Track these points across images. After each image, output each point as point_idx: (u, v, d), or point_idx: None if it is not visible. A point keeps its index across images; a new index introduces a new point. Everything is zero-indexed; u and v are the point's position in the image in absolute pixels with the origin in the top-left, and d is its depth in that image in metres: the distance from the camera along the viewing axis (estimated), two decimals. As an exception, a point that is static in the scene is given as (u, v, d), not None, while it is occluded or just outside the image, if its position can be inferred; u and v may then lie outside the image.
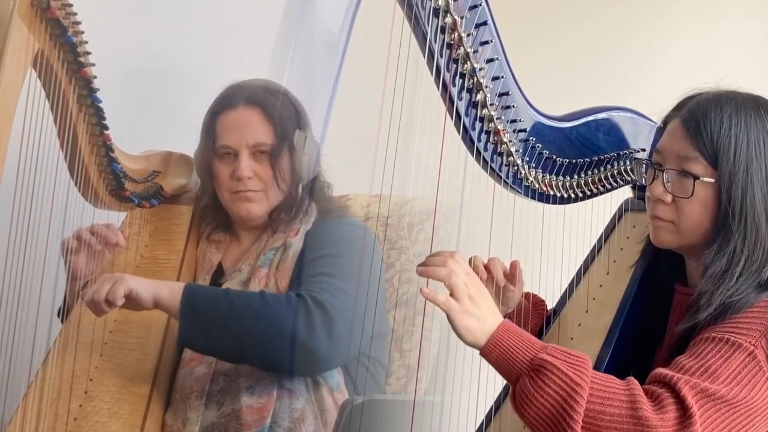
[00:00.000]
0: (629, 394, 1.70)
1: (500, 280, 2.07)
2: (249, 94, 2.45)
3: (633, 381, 1.74)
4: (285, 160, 2.44)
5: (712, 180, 1.82)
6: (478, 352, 1.76)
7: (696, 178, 1.83)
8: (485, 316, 1.76)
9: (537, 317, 2.18)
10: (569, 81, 3.43)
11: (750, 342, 1.75)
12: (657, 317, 1.98)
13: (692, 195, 1.83)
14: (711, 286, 1.81)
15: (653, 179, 1.89)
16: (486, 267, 2.07)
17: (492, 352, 1.75)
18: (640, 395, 1.70)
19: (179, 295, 2.24)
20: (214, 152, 2.49)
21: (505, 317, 2.10)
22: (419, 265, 1.80)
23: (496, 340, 1.75)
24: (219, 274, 2.51)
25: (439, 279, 1.76)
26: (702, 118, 1.83)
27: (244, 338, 2.24)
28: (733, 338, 1.76)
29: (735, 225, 1.80)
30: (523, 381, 1.72)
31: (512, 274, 2.08)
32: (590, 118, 2.08)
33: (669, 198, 1.87)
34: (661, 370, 1.75)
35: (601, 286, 2.11)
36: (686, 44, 3.66)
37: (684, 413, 1.69)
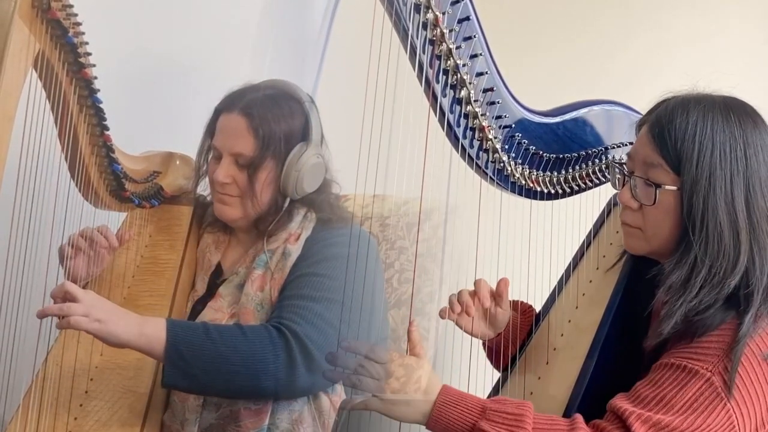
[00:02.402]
0: None
1: (486, 301, 2.07)
2: (248, 101, 2.43)
3: (578, 420, 1.75)
4: (264, 174, 2.41)
5: (674, 188, 1.80)
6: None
7: (658, 186, 1.80)
8: (412, 399, 1.79)
9: (526, 324, 2.17)
10: (560, 76, 3.43)
11: (707, 368, 1.73)
12: (642, 320, 1.95)
13: (655, 203, 1.81)
14: (671, 296, 1.79)
15: (623, 185, 1.88)
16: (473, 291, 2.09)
17: (435, 430, 1.78)
18: None
19: (161, 341, 2.19)
20: (209, 148, 2.51)
21: (497, 335, 2.12)
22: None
23: (435, 418, 1.78)
24: (218, 274, 2.52)
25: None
26: (667, 124, 1.81)
27: (228, 379, 2.22)
28: (690, 365, 1.74)
29: (696, 234, 1.77)
30: None
31: (499, 294, 2.08)
32: (578, 112, 2.08)
33: (635, 204, 1.86)
34: (616, 403, 1.75)
35: (590, 281, 2.10)
36: (663, 39, 3.66)
37: None
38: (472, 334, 2.11)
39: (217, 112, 2.49)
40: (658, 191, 1.80)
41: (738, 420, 1.71)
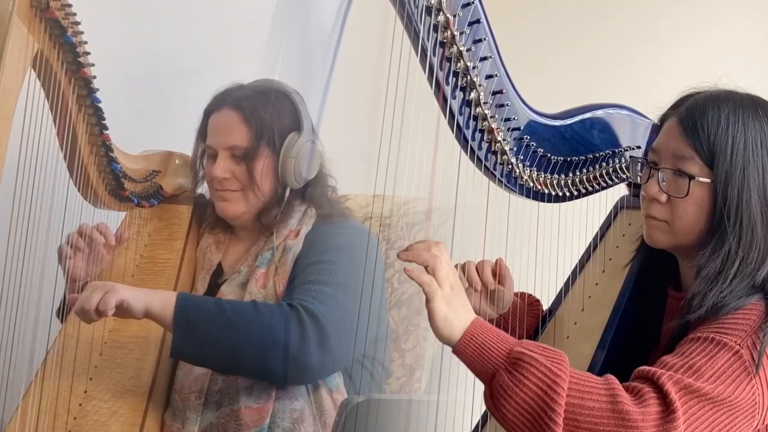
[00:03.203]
0: (609, 389, 1.68)
1: (489, 280, 2.07)
2: (236, 96, 2.46)
3: (612, 377, 1.71)
4: (261, 163, 2.43)
5: (708, 180, 1.80)
6: (452, 350, 1.73)
7: (691, 177, 1.80)
8: (461, 311, 1.74)
9: (532, 317, 2.16)
10: (568, 79, 3.44)
11: (736, 341, 1.73)
12: (651, 319, 1.96)
13: (687, 195, 1.81)
14: (704, 287, 1.79)
15: (648, 178, 1.87)
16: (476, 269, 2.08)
17: (467, 348, 1.71)
18: (620, 390, 1.68)
19: (172, 306, 2.22)
20: (203, 151, 2.52)
21: (500, 318, 2.12)
22: (402, 251, 1.78)
23: (470, 335, 1.71)
24: (218, 274, 2.52)
25: (423, 263, 1.75)
26: (699, 117, 1.81)
27: (237, 350, 2.23)
28: (719, 337, 1.73)
29: (730, 226, 1.78)
30: (500, 376, 1.68)
31: (500, 274, 2.08)
32: (585, 115, 2.07)
33: (664, 197, 1.84)
34: (644, 367, 1.73)
35: (597, 284, 2.10)
36: (679, 42, 3.67)
37: (667, 408, 1.66)
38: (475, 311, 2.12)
39: (207, 114, 2.52)
40: (691, 183, 1.81)
41: (759, 399, 1.72)
